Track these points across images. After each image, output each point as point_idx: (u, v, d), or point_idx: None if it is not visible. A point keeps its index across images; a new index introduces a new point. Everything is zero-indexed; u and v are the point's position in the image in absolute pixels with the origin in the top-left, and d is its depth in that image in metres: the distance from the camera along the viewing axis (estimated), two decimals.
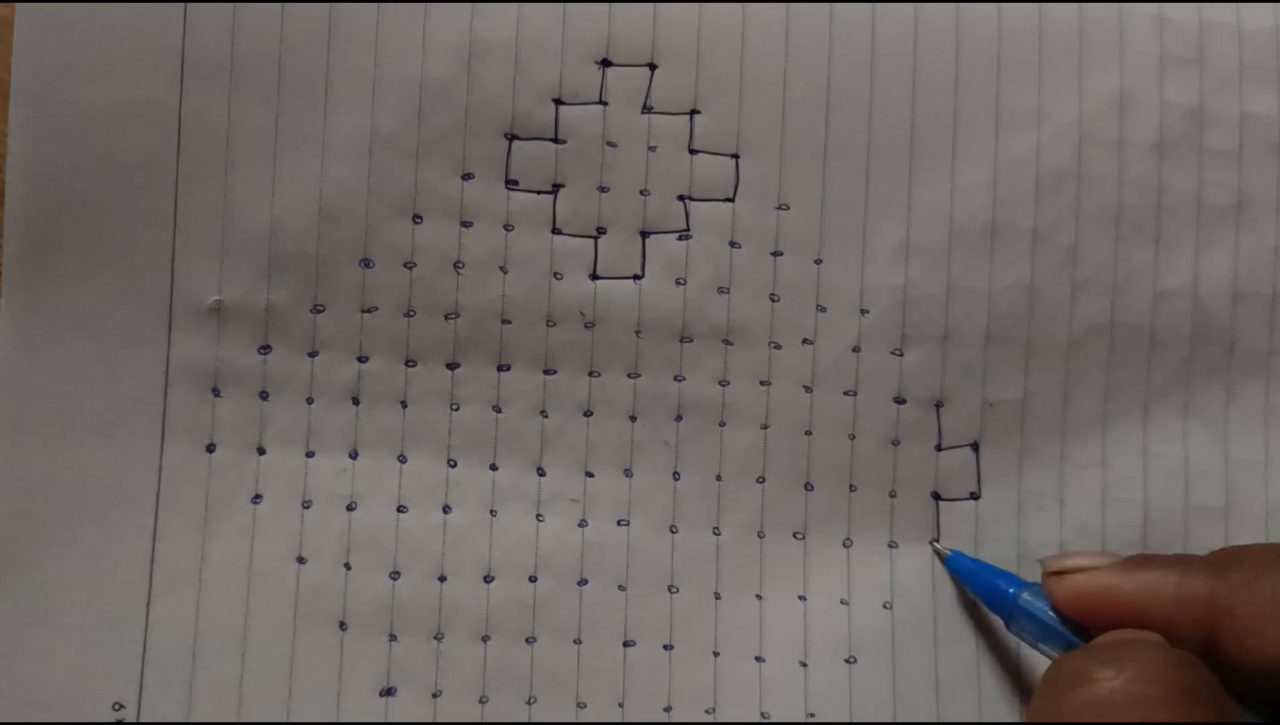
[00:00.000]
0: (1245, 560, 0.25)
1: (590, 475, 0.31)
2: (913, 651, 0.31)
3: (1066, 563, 0.27)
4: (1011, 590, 0.28)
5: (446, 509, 0.30)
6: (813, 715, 0.30)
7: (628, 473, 0.31)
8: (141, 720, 0.29)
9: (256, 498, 0.30)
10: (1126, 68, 0.31)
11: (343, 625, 0.30)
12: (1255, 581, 0.24)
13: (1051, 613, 0.27)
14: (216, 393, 0.30)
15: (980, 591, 0.30)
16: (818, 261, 0.31)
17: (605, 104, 0.30)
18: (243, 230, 0.30)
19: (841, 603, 0.31)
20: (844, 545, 0.31)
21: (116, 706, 0.29)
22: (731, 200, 0.31)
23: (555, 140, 0.30)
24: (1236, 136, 0.31)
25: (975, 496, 0.31)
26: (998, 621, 0.30)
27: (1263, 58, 0.31)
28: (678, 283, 0.31)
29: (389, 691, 0.30)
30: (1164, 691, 0.22)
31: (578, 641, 0.30)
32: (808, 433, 0.31)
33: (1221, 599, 0.24)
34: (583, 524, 0.31)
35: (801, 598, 0.31)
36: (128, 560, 0.29)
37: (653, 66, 0.30)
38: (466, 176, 0.30)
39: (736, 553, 0.31)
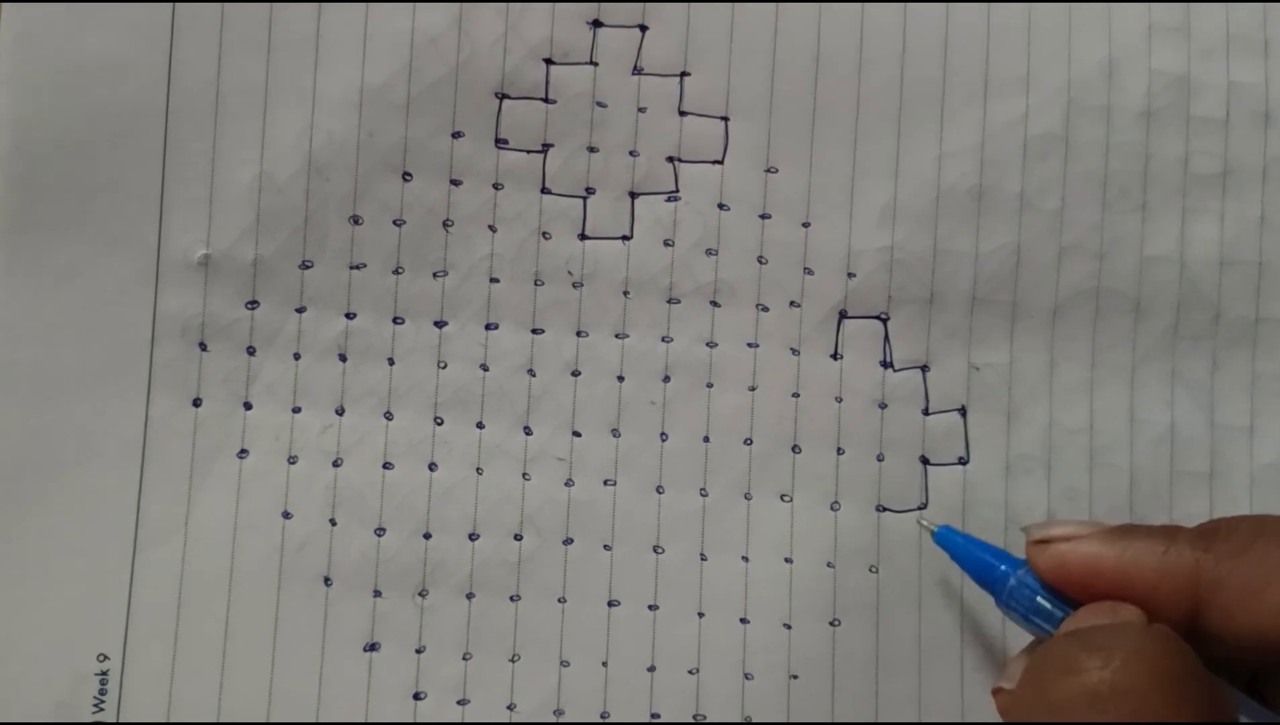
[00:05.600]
0: (1231, 532, 0.24)
1: (577, 434, 0.31)
2: (896, 615, 0.31)
3: (1050, 531, 0.26)
4: (1004, 568, 0.27)
5: (432, 466, 0.30)
6: (795, 677, 0.30)
7: (615, 432, 0.31)
8: (125, 679, 0.29)
9: (242, 452, 0.30)
10: (1114, 35, 0.31)
11: (327, 580, 0.30)
12: (1242, 553, 0.24)
13: (1042, 592, 0.26)
14: (203, 347, 0.30)
15: (970, 568, 0.28)
16: (805, 224, 0.31)
17: (596, 64, 0.31)
18: (231, 183, 0.30)
19: (828, 565, 0.31)
20: (831, 508, 0.31)
21: (101, 658, 0.29)
22: (720, 162, 0.31)
23: (545, 100, 0.30)
24: (1223, 105, 0.31)
25: (964, 461, 0.31)
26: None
27: (1248, 28, 0.31)
28: (666, 244, 0.31)
29: (373, 647, 0.30)
30: (1153, 683, 0.22)
31: (562, 600, 0.30)
32: (795, 395, 0.31)
33: (1207, 571, 0.24)
34: (569, 483, 0.31)
35: (788, 560, 0.31)
36: (113, 513, 0.29)
37: (643, 28, 0.31)
38: (456, 134, 0.30)
39: (723, 514, 0.31)
